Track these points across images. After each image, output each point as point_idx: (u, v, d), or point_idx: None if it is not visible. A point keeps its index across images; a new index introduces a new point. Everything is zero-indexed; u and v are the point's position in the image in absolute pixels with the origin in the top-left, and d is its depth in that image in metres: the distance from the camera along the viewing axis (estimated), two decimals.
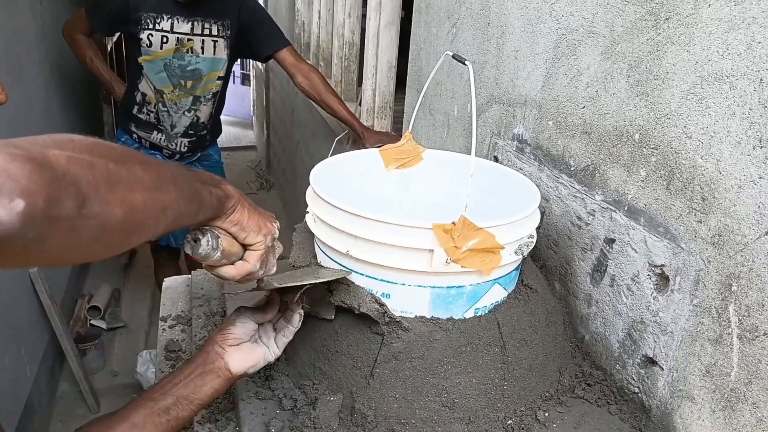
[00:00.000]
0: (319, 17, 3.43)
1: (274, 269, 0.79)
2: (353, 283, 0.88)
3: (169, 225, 0.57)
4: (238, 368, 0.80)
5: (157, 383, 0.78)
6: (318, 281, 0.83)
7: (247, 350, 0.82)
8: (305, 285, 0.82)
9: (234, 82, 7.15)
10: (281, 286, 0.80)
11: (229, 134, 6.61)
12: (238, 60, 2.66)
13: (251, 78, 6.90)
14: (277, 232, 0.77)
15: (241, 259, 0.74)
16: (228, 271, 0.73)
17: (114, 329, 3.24)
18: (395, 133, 2.39)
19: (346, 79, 3.08)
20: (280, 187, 5.16)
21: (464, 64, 0.91)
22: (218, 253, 0.70)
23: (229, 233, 0.71)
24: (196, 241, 0.69)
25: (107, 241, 0.48)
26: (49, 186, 0.40)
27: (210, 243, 0.69)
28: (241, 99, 7.29)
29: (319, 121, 3.24)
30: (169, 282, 1.36)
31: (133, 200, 0.49)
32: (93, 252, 0.47)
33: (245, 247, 0.74)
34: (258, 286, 0.81)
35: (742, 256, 0.72)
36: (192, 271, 1.36)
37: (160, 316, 1.23)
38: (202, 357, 0.80)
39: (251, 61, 6.13)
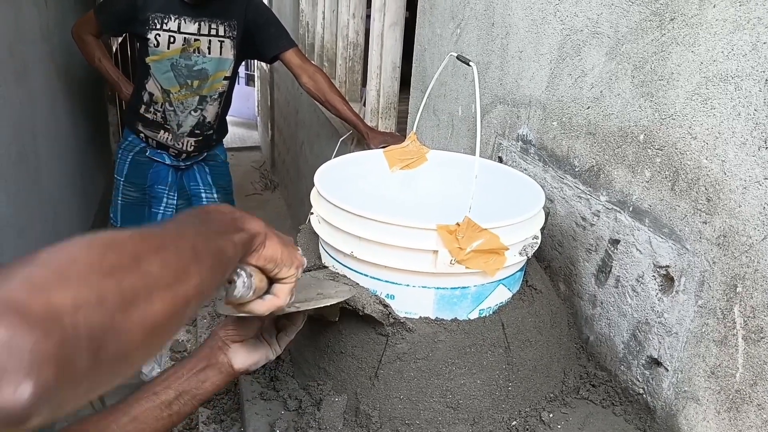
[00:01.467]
0: (324, 18, 3.43)
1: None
2: (357, 284, 0.89)
3: (197, 309, 0.52)
4: (240, 365, 0.80)
5: (159, 376, 0.78)
6: (330, 303, 0.80)
7: (249, 347, 0.81)
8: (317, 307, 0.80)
9: (239, 83, 7.15)
10: (296, 311, 0.77)
11: (233, 135, 6.61)
12: (244, 60, 2.66)
13: (256, 78, 6.92)
14: (305, 261, 0.72)
15: (268, 291, 0.69)
16: (258, 307, 0.68)
17: None
18: (399, 133, 2.39)
19: (351, 79, 3.08)
20: (285, 188, 5.17)
21: (468, 65, 0.91)
22: (251, 292, 0.65)
23: (260, 268, 0.66)
24: (231, 282, 0.63)
25: (130, 365, 0.42)
26: (58, 352, 0.34)
27: (245, 283, 0.64)
28: (245, 99, 7.31)
29: (324, 121, 3.24)
30: None
31: (153, 314, 0.43)
32: (115, 381, 0.42)
33: (274, 280, 0.69)
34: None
35: (747, 257, 0.71)
36: None
37: None
38: (205, 352, 0.79)
39: (256, 61, 6.15)
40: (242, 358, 0.80)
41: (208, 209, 0.63)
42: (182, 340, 1.15)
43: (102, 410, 0.74)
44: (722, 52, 0.74)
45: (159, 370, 2.37)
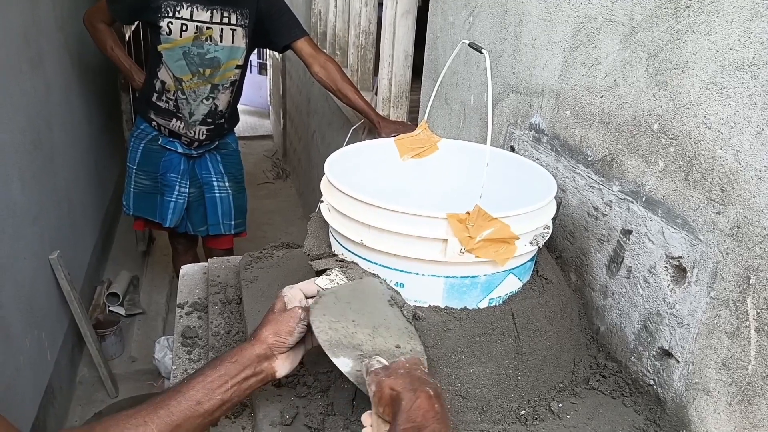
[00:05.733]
0: (336, 6, 3.42)
1: None
2: (365, 271, 0.89)
3: None
4: (282, 373, 0.80)
5: (200, 379, 0.75)
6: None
7: (293, 355, 0.81)
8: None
9: (251, 72, 7.16)
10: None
11: (245, 123, 6.64)
12: (256, 49, 2.66)
13: (268, 67, 6.91)
14: None
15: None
16: None
17: (132, 316, 3.28)
18: (411, 122, 2.39)
19: (362, 68, 3.07)
20: (296, 177, 5.18)
21: (481, 52, 0.90)
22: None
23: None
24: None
25: None
26: None
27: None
28: (257, 88, 7.31)
29: (335, 110, 3.24)
30: (186, 269, 1.38)
31: None
32: None
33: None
34: None
35: (761, 248, 0.71)
36: (209, 259, 1.37)
37: (177, 302, 1.25)
38: (250, 359, 0.77)
39: (268, 50, 6.14)
40: (287, 365, 0.80)
41: (422, 426, 0.63)
42: (193, 326, 1.15)
43: (133, 402, 0.73)
44: (739, 40, 0.72)
45: (171, 356, 2.38)
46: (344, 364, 0.74)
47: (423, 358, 0.77)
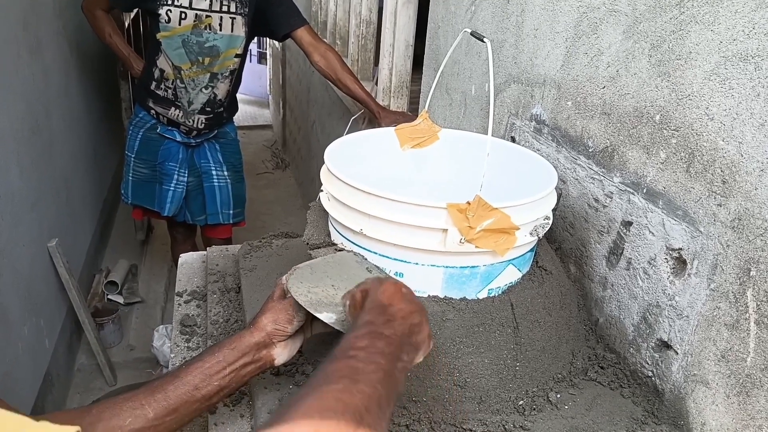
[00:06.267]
0: None
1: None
2: (365, 259, 0.88)
3: None
4: (281, 361, 0.80)
5: (198, 365, 0.75)
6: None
7: (292, 344, 0.81)
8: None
9: (250, 61, 7.14)
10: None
11: (245, 113, 6.61)
12: (255, 38, 2.65)
13: (267, 56, 6.88)
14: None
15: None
16: None
17: (131, 304, 3.29)
18: (411, 113, 2.38)
19: (363, 57, 3.05)
20: (296, 167, 5.17)
21: (483, 41, 0.89)
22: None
23: None
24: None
25: None
26: None
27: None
28: (257, 78, 7.27)
29: (335, 100, 3.23)
30: (184, 258, 1.37)
31: None
32: None
33: None
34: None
35: (762, 240, 0.70)
36: (208, 248, 1.37)
37: (176, 291, 1.25)
38: (249, 346, 0.77)
39: (267, 39, 6.11)
40: (285, 354, 0.80)
41: (389, 305, 0.66)
42: (192, 315, 1.15)
43: (130, 389, 0.73)
44: (743, 30, 0.72)
45: (169, 344, 2.37)
46: (328, 317, 0.75)
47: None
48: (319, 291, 0.78)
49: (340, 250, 0.93)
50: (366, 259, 0.89)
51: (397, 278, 0.68)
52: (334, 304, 0.76)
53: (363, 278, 0.79)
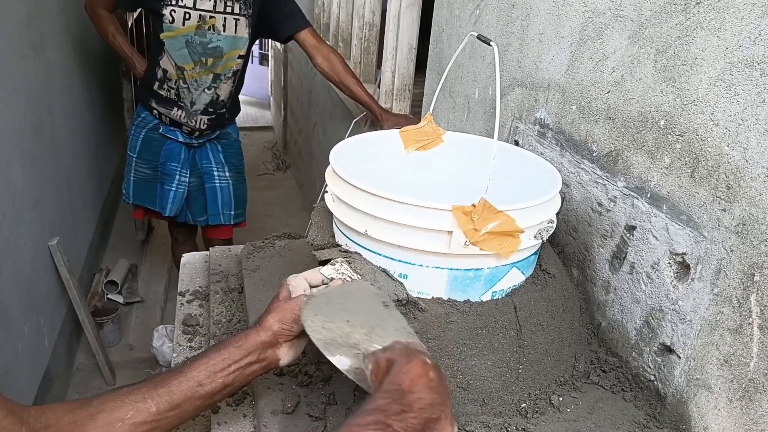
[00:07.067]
0: None
1: None
2: (369, 262, 0.89)
3: None
4: (285, 361, 0.79)
5: (203, 361, 0.75)
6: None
7: (297, 344, 0.81)
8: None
9: (252, 62, 7.14)
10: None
11: (246, 114, 6.62)
12: (258, 39, 2.66)
13: (269, 58, 6.89)
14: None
15: None
16: None
17: (131, 304, 3.29)
18: (413, 116, 2.38)
19: (366, 60, 3.06)
20: (296, 169, 5.17)
21: (489, 44, 0.90)
22: None
23: None
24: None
25: None
26: None
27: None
28: (259, 79, 7.29)
29: (337, 102, 3.23)
30: (187, 258, 1.37)
31: None
32: None
33: None
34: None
35: (766, 245, 0.71)
36: (210, 248, 1.37)
37: (178, 290, 1.25)
38: (255, 345, 0.77)
39: (270, 40, 6.12)
40: (290, 354, 0.80)
41: (408, 390, 0.58)
42: (194, 314, 1.15)
43: (131, 384, 0.73)
44: (749, 37, 0.72)
45: (170, 345, 2.37)
46: (341, 362, 0.71)
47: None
48: (334, 327, 0.75)
49: (344, 251, 0.93)
50: (378, 289, 0.84)
51: (426, 358, 0.60)
52: (348, 345, 0.72)
53: (379, 315, 0.76)
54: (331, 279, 0.85)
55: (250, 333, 0.78)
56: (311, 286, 0.84)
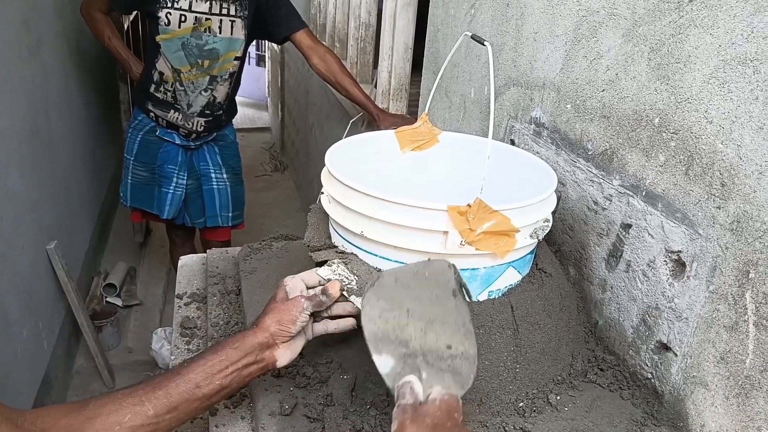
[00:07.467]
0: None
1: None
2: (365, 263, 0.89)
3: None
4: (283, 362, 0.79)
5: (200, 363, 0.75)
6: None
7: (294, 345, 0.81)
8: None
9: (249, 63, 7.14)
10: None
11: (243, 115, 6.61)
12: (254, 41, 2.65)
13: (266, 59, 6.89)
14: None
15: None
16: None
17: (129, 307, 3.28)
18: (410, 116, 2.38)
19: (362, 60, 3.06)
20: (294, 169, 5.17)
21: (483, 44, 0.90)
22: None
23: None
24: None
25: None
26: None
27: None
28: (256, 80, 7.28)
29: (334, 102, 3.23)
30: (185, 260, 1.37)
31: None
32: None
33: None
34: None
35: (761, 242, 0.71)
36: (208, 250, 1.37)
37: (176, 293, 1.25)
38: (252, 346, 0.77)
39: (266, 42, 6.12)
40: (288, 355, 0.80)
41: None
42: (192, 317, 1.15)
43: (128, 387, 0.73)
44: (741, 34, 0.73)
45: (169, 347, 2.37)
46: (385, 363, 0.68)
47: (471, 374, 0.70)
48: (391, 318, 0.72)
49: (340, 252, 0.93)
50: (456, 271, 0.79)
51: None
52: (398, 342, 0.70)
53: (443, 306, 0.74)
54: (328, 280, 0.85)
55: (248, 334, 0.78)
56: (308, 287, 0.84)
